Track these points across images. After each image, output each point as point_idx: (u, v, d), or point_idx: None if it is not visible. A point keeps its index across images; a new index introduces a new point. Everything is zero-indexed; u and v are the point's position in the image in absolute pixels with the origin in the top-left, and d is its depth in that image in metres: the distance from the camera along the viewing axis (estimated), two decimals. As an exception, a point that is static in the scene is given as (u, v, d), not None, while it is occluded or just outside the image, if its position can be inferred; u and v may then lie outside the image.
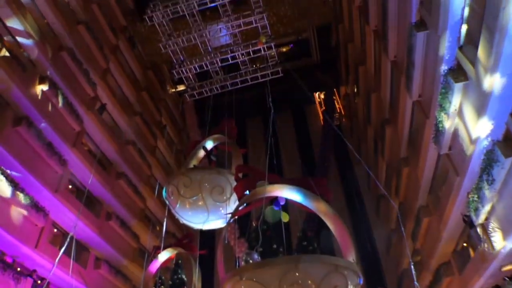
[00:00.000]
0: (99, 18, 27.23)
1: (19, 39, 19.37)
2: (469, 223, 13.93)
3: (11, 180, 17.04)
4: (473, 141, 12.32)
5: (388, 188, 25.06)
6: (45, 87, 19.82)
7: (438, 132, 14.04)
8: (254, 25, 25.85)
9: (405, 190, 21.68)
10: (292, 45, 41.63)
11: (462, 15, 11.63)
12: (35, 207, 18.32)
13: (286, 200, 10.16)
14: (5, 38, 18.62)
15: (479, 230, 13.69)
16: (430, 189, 18.53)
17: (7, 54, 18.11)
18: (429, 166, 17.27)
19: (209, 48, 27.62)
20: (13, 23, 18.82)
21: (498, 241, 12.90)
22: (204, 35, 26.51)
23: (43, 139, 19.32)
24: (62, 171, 20.59)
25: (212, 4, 25.39)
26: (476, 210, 12.72)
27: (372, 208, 30.72)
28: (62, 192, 20.31)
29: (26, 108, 18.76)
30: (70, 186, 22.42)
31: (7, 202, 17.05)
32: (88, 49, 25.11)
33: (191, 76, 28.70)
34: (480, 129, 11.78)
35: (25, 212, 17.79)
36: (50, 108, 20.46)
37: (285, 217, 11.28)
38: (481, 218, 12.98)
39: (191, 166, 14.48)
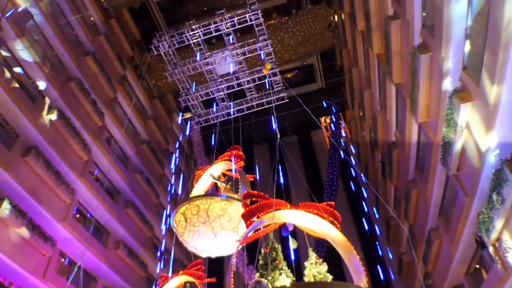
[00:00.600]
0: (107, 49, 27.66)
1: (28, 70, 19.67)
2: (481, 244, 13.64)
3: (19, 210, 17.05)
4: (481, 161, 12.19)
5: (398, 211, 24.77)
6: (53, 117, 20.02)
7: (446, 153, 13.92)
8: (259, 52, 26.10)
9: (415, 212, 21.39)
10: (297, 71, 41.96)
11: (465, 36, 11.65)
12: (43, 236, 18.27)
13: (295, 226, 10.03)
14: (15, 70, 18.91)
15: (491, 250, 13.42)
16: (440, 211, 18.27)
17: (17, 85, 18.37)
18: (438, 188, 17.08)
19: (215, 75, 27.84)
20: (23, 55, 19.15)
21: (511, 261, 12.62)
22: (209, 63, 26.75)
23: (52, 169, 19.39)
24: (70, 200, 20.60)
25: (217, 33, 25.71)
26: (487, 230, 12.47)
27: (382, 231, 30.33)
28: (70, 221, 20.26)
29: (34, 138, 18.91)
30: (77, 215, 22.37)
31: (14, 232, 17.02)
32: (96, 80, 25.44)
33: (197, 103, 28.87)
34: (487, 149, 11.67)
35: (32, 242, 17.73)
36: (58, 137, 20.61)
37: (294, 243, 11.11)
38: (493, 239, 12.71)
39: (199, 193, 14.41)
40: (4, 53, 18.37)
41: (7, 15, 17.96)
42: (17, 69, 19.18)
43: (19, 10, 18.96)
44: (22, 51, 19.05)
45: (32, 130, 18.67)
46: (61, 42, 22.16)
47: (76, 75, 23.19)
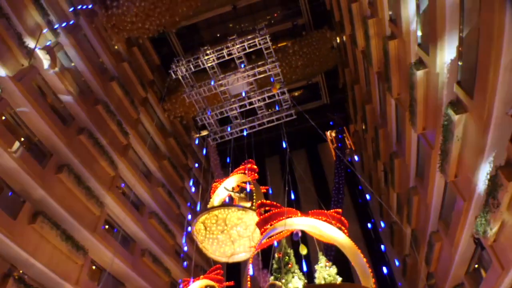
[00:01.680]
0: (130, 74, 27.93)
1: (60, 95, 19.93)
2: (479, 245, 13.39)
3: (53, 222, 17.16)
4: (477, 168, 12.03)
5: (400, 216, 24.48)
6: (83, 137, 20.20)
7: (444, 161, 13.76)
8: (268, 73, 26.17)
9: (416, 217, 21.12)
10: (303, 89, 41.98)
11: (458, 52, 11.59)
12: (76, 246, 18.33)
13: (304, 232, 9.95)
14: (48, 95, 19.18)
15: (489, 251, 13.18)
16: (439, 215, 18.01)
17: (49, 109, 18.59)
18: (437, 194, 16.86)
19: (229, 96, 27.95)
20: (55, 82, 19.41)
21: (508, 260, 12.37)
22: (223, 84, 26.88)
23: (82, 184, 19.52)
24: (99, 213, 20.68)
25: (230, 57, 25.85)
26: (485, 232, 12.25)
27: (386, 235, 29.95)
28: (100, 232, 20.32)
29: (66, 157, 19.08)
30: (107, 226, 22.43)
31: (50, 243, 17.11)
32: (121, 102, 25.66)
33: (213, 122, 28.98)
34: (483, 156, 11.52)
35: (66, 251, 17.80)
36: (87, 155, 20.77)
37: (303, 250, 11.02)
38: (490, 240, 12.50)
39: (216, 204, 14.37)
40: (38, 81, 18.65)
41: (40, 46, 18.28)
42: (50, 95, 19.46)
43: (51, 41, 19.28)
44: (54, 78, 19.34)
45: (64, 149, 18.86)
46: (89, 69, 22.45)
47: (102, 99, 23.43)
